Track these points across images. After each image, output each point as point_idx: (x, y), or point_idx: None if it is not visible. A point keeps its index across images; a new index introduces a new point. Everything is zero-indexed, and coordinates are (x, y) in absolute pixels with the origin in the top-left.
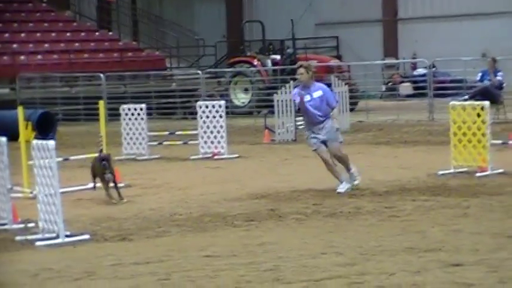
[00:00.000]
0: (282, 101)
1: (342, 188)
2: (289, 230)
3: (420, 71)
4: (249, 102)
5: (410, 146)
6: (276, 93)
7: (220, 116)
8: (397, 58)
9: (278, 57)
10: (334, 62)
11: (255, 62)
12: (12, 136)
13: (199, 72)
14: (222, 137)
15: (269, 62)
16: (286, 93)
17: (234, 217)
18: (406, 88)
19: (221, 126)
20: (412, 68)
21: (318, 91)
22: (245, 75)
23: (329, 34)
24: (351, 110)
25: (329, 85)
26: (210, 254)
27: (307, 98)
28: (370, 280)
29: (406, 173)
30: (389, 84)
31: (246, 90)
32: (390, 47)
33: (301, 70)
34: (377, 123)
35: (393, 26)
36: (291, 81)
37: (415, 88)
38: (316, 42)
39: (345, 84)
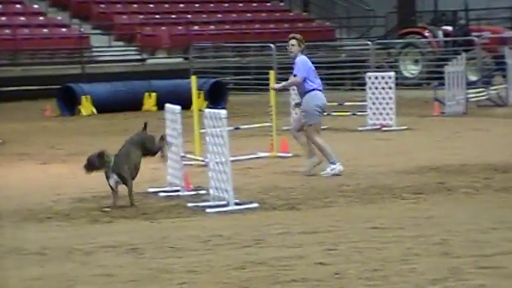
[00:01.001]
0: (453, 72)
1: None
2: (458, 203)
3: None
4: (419, 73)
5: None
6: (447, 64)
7: (390, 88)
8: None
9: (450, 28)
10: (508, 34)
11: (426, 33)
12: (186, 105)
13: (369, 43)
14: (390, 108)
15: (440, 33)
16: (457, 65)
17: (402, 189)
18: None
19: (390, 98)
20: None
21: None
22: (415, 46)
23: (504, 5)
24: None
25: (502, 57)
26: (378, 225)
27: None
28: None
29: None
30: None
31: (416, 61)
32: None
33: (293, 41)
34: None
35: None
36: (463, 53)
37: None
38: (489, 13)
39: None
